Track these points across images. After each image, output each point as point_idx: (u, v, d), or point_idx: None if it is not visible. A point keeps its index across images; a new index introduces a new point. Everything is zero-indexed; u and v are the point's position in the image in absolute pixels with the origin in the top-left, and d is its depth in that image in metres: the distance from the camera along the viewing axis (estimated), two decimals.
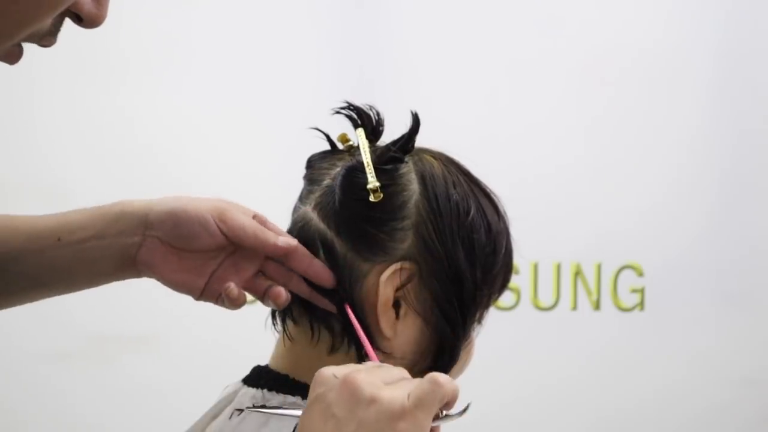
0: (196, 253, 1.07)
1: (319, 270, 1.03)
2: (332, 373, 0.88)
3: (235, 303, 1.07)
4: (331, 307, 1.03)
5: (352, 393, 0.86)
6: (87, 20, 0.86)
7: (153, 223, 1.08)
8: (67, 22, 0.87)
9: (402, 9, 2.50)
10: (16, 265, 1.12)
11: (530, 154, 2.49)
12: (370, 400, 0.85)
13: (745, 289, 2.52)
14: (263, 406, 1.02)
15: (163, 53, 2.42)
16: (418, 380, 0.87)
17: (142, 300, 2.36)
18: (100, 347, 2.42)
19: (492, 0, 2.51)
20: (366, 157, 1.03)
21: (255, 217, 1.08)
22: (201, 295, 1.09)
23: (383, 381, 0.87)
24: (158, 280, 1.09)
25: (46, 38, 0.86)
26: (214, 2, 2.46)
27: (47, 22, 0.84)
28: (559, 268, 2.49)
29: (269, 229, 1.07)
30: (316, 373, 0.90)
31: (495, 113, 2.50)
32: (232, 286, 1.06)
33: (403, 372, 0.90)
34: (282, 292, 1.05)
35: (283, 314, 1.07)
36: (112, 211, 1.10)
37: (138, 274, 1.10)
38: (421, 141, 1.08)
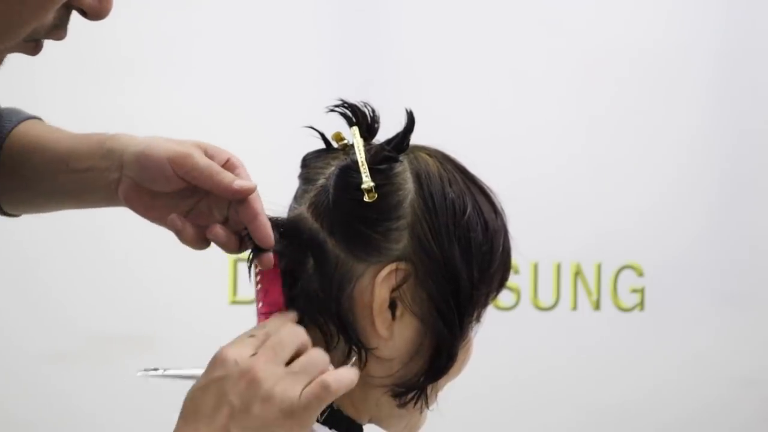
0: (165, 194, 1.08)
1: (261, 226, 1.02)
2: (234, 359, 0.94)
3: (182, 236, 1.06)
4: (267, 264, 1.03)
5: (249, 386, 0.92)
6: (90, 13, 0.88)
7: (126, 163, 1.10)
8: (78, 19, 0.89)
9: (402, 11, 2.50)
10: (39, 184, 1.21)
11: (531, 154, 2.49)
12: (265, 398, 0.92)
13: (745, 289, 2.52)
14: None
15: (163, 53, 2.42)
16: (314, 380, 0.94)
17: (142, 300, 2.37)
18: (100, 347, 2.42)
19: (493, 1, 2.51)
20: (360, 157, 1.02)
21: (228, 161, 1.08)
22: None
23: (283, 363, 0.94)
24: (137, 213, 1.11)
25: (54, 32, 0.88)
26: (214, 3, 2.46)
27: (49, 16, 0.85)
28: (559, 268, 2.49)
29: (237, 174, 1.06)
30: (218, 353, 0.95)
31: (495, 113, 2.50)
32: (174, 217, 1.06)
33: (299, 338, 0.96)
34: (214, 229, 1.05)
35: None
36: (105, 146, 1.13)
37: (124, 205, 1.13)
38: (421, 141, 1.07)
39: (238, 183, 1.04)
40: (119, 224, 2.42)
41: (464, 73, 2.49)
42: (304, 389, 0.93)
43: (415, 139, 1.06)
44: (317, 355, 0.96)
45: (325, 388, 0.93)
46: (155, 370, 1.04)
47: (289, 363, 0.95)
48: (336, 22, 2.50)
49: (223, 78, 2.44)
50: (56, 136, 1.21)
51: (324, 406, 0.94)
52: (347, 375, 0.96)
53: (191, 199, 1.08)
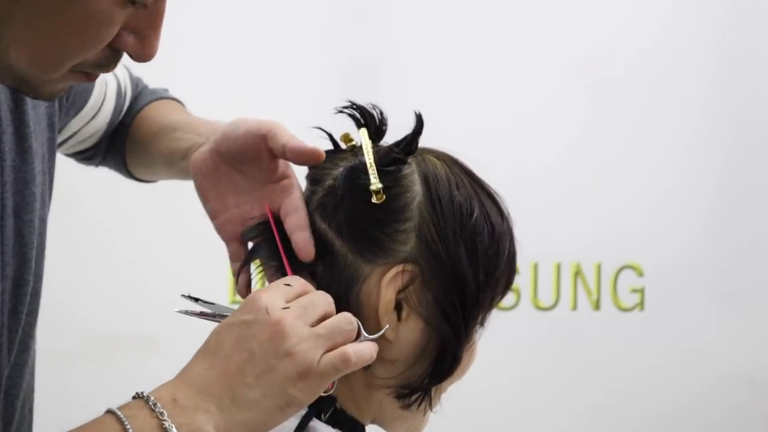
0: (229, 170, 1.10)
1: (303, 239, 1.03)
2: (266, 306, 0.93)
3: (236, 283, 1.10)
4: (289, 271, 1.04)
5: (274, 337, 0.92)
6: (134, 56, 0.91)
7: (217, 131, 1.13)
8: None
9: (402, 10, 2.50)
10: (150, 145, 1.29)
11: (531, 153, 2.49)
12: (286, 353, 0.91)
13: (744, 288, 2.52)
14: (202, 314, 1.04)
15: (169, 55, 2.42)
16: (335, 350, 0.93)
17: (143, 300, 2.37)
18: (102, 347, 2.43)
19: (492, 1, 2.52)
20: (369, 158, 1.02)
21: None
22: (215, 218, 1.12)
23: (310, 324, 0.93)
24: (194, 180, 1.13)
25: (100, 68, 0.92)
26: (219, 5, 2.47)
27: (89, 55, 0.89)
28: (559, 268, 2.49)
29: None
30: (252, 295, 0.95)
31: (494, 113, 2.50)
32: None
33: (328, 305, 0.96)
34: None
35: None
36: (218, 123, 1.17)
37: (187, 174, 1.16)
38: (422, 141, 1.08)
39: (314, 146, 1.06)
40: (123, 225, 2.43)
41: (463, 72, 2.50)
42: (324, 355, 0.93)
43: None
44: (344, 322, 0.95)
45: (345, 360, 0.93)
46: (196, 301, 1.03)
47: (314, 324, 0.94)
48: (341, 21, 2.50)
49: (231, 79, 2.44)
50: (182, 113, 1.30)
51: (339, 377, 0.94)
52: (368, 350, 0.95)
53: (247, 193, 1.10)
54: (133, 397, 0.93)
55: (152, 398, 0.91)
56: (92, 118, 1.32)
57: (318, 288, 1.01)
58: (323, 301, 0.96)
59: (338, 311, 0.99)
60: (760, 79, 2.52)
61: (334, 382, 0.97)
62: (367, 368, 1.01)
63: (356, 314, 1.00)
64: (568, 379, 2.51)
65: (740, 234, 2.52)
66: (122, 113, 1.36)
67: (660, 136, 2.52)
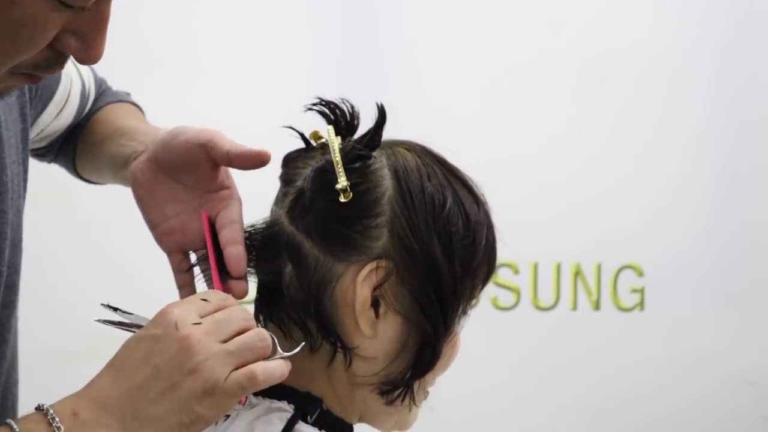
0: (170, 181, 1.09)
1: (234, 256, 1.03)
2: (176, 321, 0.91)
3: (177, 279, 1.10)
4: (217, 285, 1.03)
5: (180, 353, 0.90)
6: (77, 58, 0.89)
7: (156, 139, 1.12)
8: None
9: (402, 8, 2.50)
10: (98, 148, 1.28)
11: (531, 153, 2.49)
12: (191, 370, 0.90)
13: (745, 288, 2.52)
14: (120, 323, 1.02)
15: (170, 55, 2.42)
16: (243, 368, 0.91)
17: (144, 300, 2.37)
18: (102, 347, 2.42)
19: (493, 1, 2.52)
20: (335, 156, 1.00)
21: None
22: (154, 228, 1.11)
23: (221, 340, 0.91)
24: (134, 192, 1.12)
25: (41, 70, 0.89)
26: (219, 5, 2.47)
27: (23, 58, 0.86)
28: (559, 268, 2.49)
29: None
30: (164, 309, 0.93)
31: (495, 114, 2.50)
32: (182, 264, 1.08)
33: (244, 321, 0.93)
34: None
35: (265, 316, 1.05)
36: (159, 130, 1.16)
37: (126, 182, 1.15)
38: (421, 138, 1.06)
39: (259, 148, 1.06)
40: (124, 224, 2.42)
41: (463, 71, 2.50)
42: (232, 372, 0.91)
43: (414, 135, 1.06)
44: (256, 338, 0.93)
45: (252, 379, 0.91)
46: (115, 310, 1.02)
47: (227, 341, 0.92)
48: (341, 20, 2.50)
49: (231, 79, 2.44)
50: (135, 118, 1.28)
51: (246, 394, 0.92)
52: (278, 369, 0.93)
53: (186, 202, 1.09)
54: (36, 409, 0.91)
55: (51, 411, 0.90)
56: (57, 115, 1.30)
57: (288, 292, 1.00)
58: (239, 317, 0.94)
59: (310, 313, 0.99)
60: (760, 79, 2.52)
61: (247, 396, 0.95)
62: (349, 366, 1.01)
63: (331, 315, 1.00)
64: (568, 379, 2.51)
65: (740, 234, 2.52)
66: (84, 114, 1.35)
67: (660, 136, 2.52)
